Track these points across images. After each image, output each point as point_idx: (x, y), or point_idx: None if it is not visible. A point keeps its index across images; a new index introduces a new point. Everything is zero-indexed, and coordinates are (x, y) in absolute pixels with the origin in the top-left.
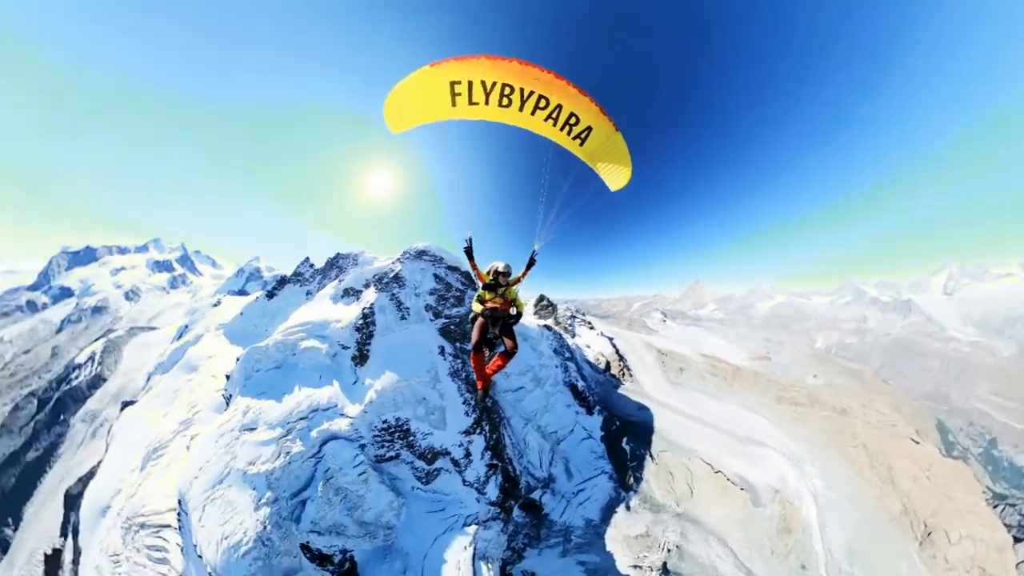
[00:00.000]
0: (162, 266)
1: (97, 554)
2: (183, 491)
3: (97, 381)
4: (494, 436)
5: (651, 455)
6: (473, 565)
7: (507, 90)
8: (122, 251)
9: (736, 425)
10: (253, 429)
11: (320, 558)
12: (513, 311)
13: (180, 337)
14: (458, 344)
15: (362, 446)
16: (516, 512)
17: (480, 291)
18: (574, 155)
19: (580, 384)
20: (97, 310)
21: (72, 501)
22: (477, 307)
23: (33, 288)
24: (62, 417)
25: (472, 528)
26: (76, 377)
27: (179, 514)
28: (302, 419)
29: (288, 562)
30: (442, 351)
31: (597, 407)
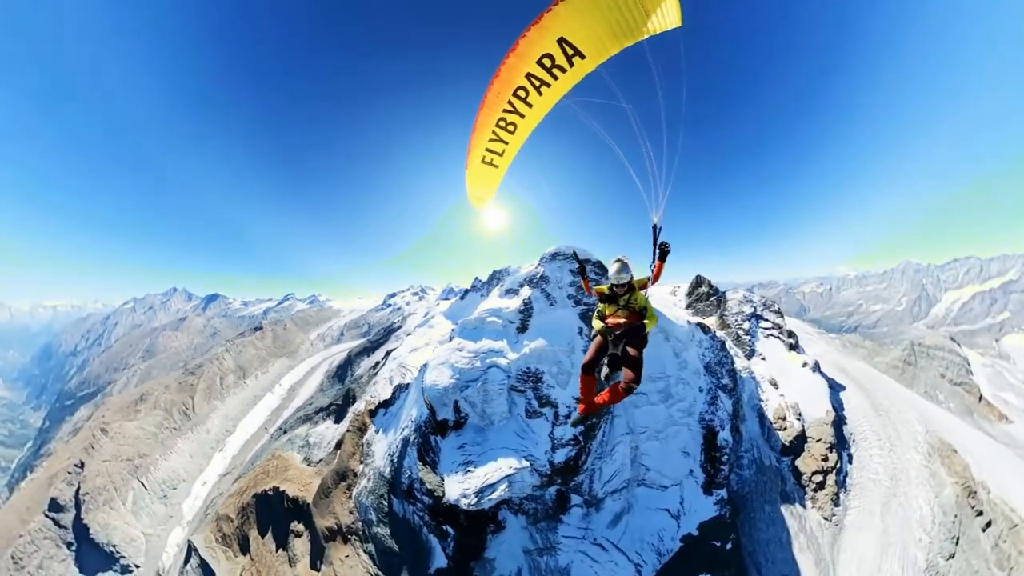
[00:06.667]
0: (417, 293)
1: (390, 368)
2: (428, 360)
3: (400, 328)
4: (594, 421)
5: None
6: (502, 480)
7: (509, 114)
8: (404, 291)
9: None
10: (461, 351)
11: (456, 409)
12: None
13: (425, 315)
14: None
15: (508, 376)
16: (552, 488)
17: (600, 305)
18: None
19: (723, 437)
20: (399, 308)
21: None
22: (597, 324)
23: (380, 308)
24: (388, 336)
25: (526, 463)
26: (397, 326)
27: (423, 367)
28: (483, 352)
29: (448, 403)
30: (580, 331)
31: (723, 491)
